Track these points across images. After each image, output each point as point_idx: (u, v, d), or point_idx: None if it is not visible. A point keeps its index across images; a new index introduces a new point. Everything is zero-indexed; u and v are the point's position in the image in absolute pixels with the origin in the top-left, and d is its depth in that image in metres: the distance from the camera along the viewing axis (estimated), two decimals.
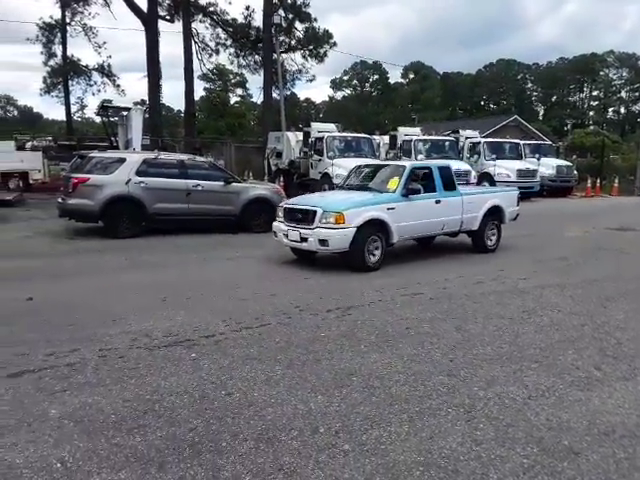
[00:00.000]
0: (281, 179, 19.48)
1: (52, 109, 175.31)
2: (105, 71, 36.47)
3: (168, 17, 29.59)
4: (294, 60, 34.72)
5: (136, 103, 18.93)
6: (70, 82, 37.24)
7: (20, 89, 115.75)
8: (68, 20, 34.96)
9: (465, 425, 3.16)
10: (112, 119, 18.72)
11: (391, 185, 8.06)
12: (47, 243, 9.73)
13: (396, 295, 6.18)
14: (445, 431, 3.09)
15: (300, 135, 21.40)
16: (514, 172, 19.31)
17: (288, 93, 38.73)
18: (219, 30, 32.41)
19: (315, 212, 7.40)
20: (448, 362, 4.15)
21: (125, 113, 17.56)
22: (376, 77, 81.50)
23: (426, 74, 78.79)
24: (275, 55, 26.64)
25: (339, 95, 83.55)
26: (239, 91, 56.58)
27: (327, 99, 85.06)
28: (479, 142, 21.08)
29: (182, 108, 37.99)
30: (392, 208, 7.67)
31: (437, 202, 8.29)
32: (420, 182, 8.36)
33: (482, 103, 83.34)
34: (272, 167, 21.94)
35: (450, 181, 8.62)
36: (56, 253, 8.69)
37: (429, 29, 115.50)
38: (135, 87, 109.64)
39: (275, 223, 8.21)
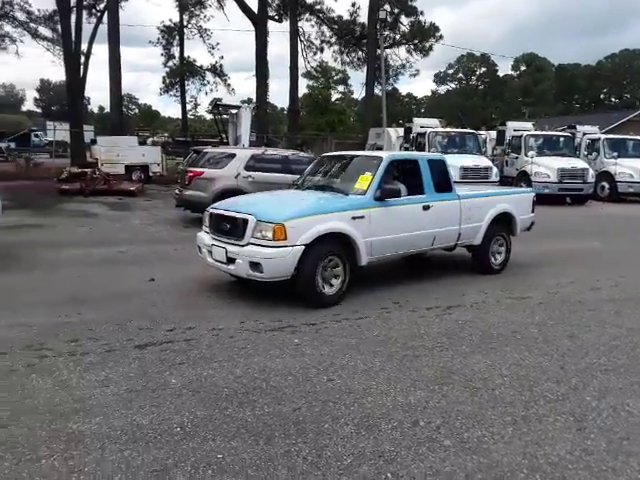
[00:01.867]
0: None
1: (168, 107, 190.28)
2: (217, 71, 38.66)
3: (276, 17, 30.72)
4: (398, 55, 34.52)
5: (244, 101, 19.99)
6: (186, 82, 40.00)
7: (141, 89, 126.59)
8: (185, 23, 37.62)
9: (575, 434, 3.01)
10: (223, 117, 19.91)
11: (361, 184, 5.97)
12: (165, 230, 10.60)
13: (501, 297, 5.95)
14: (552, 438, 2.96)
15: (401, 131, 21.22)
16: (638, 172, 17.61)
17: (390, 88, 38.45)
18: (324, 28, 33.07)
19: (246, 221, 5.34)
20: (558, 369, 3.95)
21: (235, 111, 18.60)
22: (484, 70, 77.99)
23: (539, 66, 73.90)
24: (379, 51, 26.59)
25: (443, 89, 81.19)
26: (340, 88, 57.26)
27: (430, 94, 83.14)
28: (598, 138, 19.46)
29: (285, 105, 39.38)
30: (360, 217, 5.64)
31: (425, 208, 6.28)
32: (403, 180, 6.43)
33: (602, 97, 76.49)
34: None
35: (444, 179, 6.66)
36: (173, 240, 9.44)
37: (543, 18, 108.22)
38: (243, 85, 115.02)
39: (199, 234, 6.19)
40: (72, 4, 23.28)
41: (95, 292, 5.82)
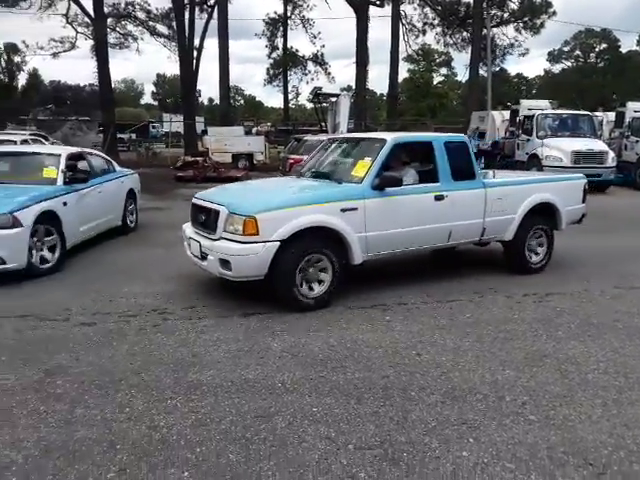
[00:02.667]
0: (482, 161, 18.81)
1: (271, 97, 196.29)
2: (318, 60, 39.35)
3: (378, 2, 30.52)
4: (505, 34, 32.88)
5: (343, 89, 20.29)
6: (288, 72, 41.18)
7: (246, 80, 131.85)
8: (289, 14, 38.66)
9: None
10: (323, 105, 20.40)
11: (357, 172, 5.27)
12: None
13: (607, 287, 5.67)
14: None
15: (507, 114, 20.29)
16: None
17: (497, 69, 36.69)
18: (427, 10, 32.31)
19: (218, 213, 4.82)
20: None
21: (334, 99, 18.97)
22: (604, 46, 71.20)
23: None
24: (485, 30, 25.51)
25: (557, 68, 75.33)
26: (443, 70, 55.53)
27: (542, 73, 77.57)
28: None
29: (384, 90, 39.10)
30: (352, 209, 4.91)
31: (438, 198, 5.45)
32: (415, 166, 5.76)
33: None
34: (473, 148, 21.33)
35: (465, 165, 5.75)
36: None
37: None
38: (342, 73, 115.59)
39: (184, 225, 5.74)
40: (186, 1, 24.99)
41: None
